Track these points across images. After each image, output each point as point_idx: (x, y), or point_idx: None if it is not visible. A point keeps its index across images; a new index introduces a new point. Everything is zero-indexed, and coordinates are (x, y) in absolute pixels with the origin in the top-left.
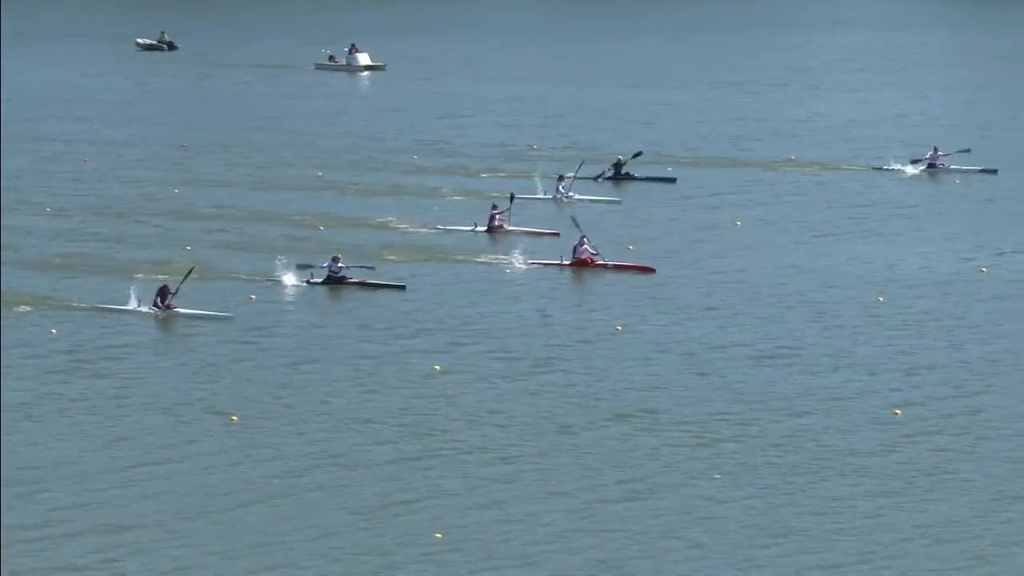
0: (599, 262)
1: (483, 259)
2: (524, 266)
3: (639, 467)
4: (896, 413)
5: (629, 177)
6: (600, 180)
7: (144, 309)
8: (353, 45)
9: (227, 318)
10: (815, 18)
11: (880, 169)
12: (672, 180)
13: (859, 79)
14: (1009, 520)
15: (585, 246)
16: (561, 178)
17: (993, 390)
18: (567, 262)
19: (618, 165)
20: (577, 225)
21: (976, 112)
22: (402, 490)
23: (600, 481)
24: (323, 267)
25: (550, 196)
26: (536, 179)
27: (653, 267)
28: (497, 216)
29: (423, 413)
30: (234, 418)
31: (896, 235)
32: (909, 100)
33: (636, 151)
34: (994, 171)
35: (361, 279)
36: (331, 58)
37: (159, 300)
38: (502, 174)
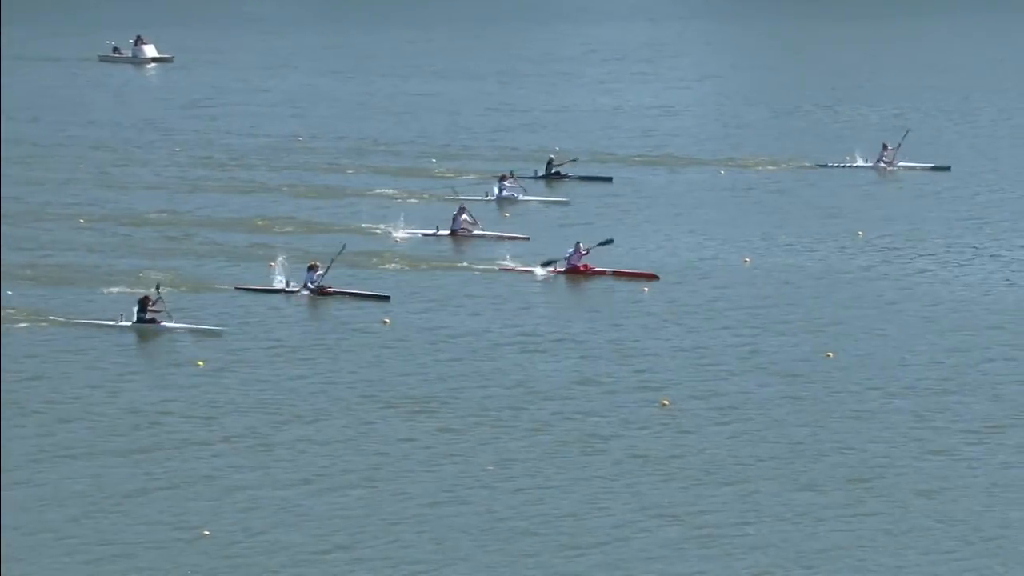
0: (597, 269)
1: (465, 266)
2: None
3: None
4: (664, 404)
5: (561, 176)
6: (534, 179)
7: (126, 323)
8: (139, 36)
9: (218, 332)
10: (577, 8)
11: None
12: (608, 179)
13: (613, 70)
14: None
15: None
16: (503, 178)
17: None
18: (561, 269)
19: (549, 164)
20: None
21: (759, 104)
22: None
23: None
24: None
25: (492, 198)
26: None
27: (657, 274)
28: (463, 219)
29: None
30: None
31: (672, 227)
32: (660, 93)
33: (573, 158)
34: (947, 168)
35: (341, 289)
36: (115, 50)
37: (142, 313)
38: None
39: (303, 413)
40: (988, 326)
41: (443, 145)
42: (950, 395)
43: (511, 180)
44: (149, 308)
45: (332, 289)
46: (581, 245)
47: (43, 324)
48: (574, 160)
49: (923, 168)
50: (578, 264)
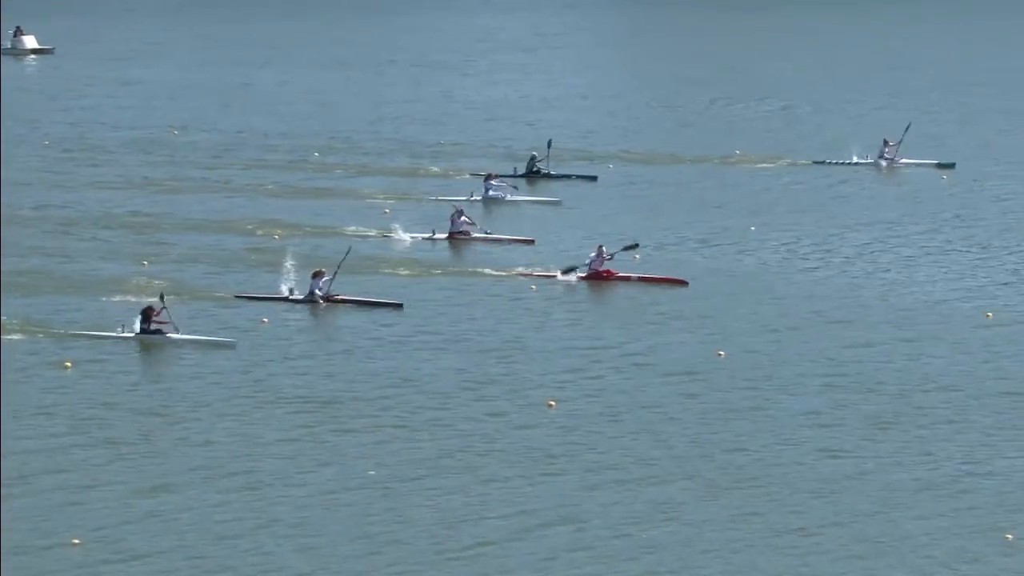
0: (621, 274)
1: (477, 271)
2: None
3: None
4: (551, 405)
5: (543, 175)
6: (513, 178)
7: (128, 334)
8: (18, 28)
9: (230, 344)
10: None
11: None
12: (593, 178)
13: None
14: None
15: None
16: (489, 177)
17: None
18: (583, 275)
19: (532, 162)
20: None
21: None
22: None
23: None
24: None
25: (479, 198)
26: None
27: (686, 280)
28: (463, 221)
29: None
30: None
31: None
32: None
33: (547, 140)
34: (951, 165)
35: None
36: None
37: (144, 323)
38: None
39: (338, 431)
40: (878, 322)
41: (329, 138)
42: (842, 393)
43: (498, 179)
44: (153, 319)
45: (341, 297)
46: (604, 249)
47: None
48: (548, 144)
49: (927, 165)
50: (601, 269)
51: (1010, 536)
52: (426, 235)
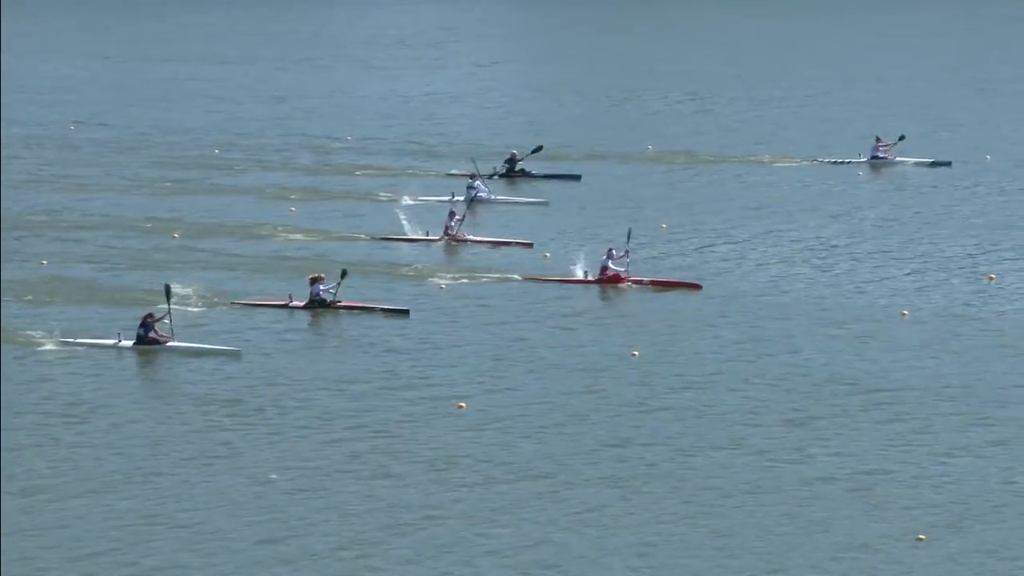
0: (633, 278)
1: (479, 275)
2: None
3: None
4: (461, 407)
5: (526, 174)
6: (494, 177)
7: (127, 343)
8: None
9: (234, 353)
10: None
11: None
12: (577, 177)
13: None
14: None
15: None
16: (473, 178)
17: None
18: (592, 278)
19: (512, 161)
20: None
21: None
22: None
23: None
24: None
25: (462, 199)
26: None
27: (700, 284)
28: (455, 223)
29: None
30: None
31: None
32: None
33: (536, 147)
34: (947, 163)
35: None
36: None
37: (144, 332)
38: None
39: (353, 445)
40: (785, 316)
41: (231, 134)
42: (758, 392)
43: (480, 180)
44: (154, 327)
45: (343, 303)
46: (614, 251)
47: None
48: (538, 148)
49: (923, 164)
50: (612, 272)
51: (923, 536)
52: (420, 236)
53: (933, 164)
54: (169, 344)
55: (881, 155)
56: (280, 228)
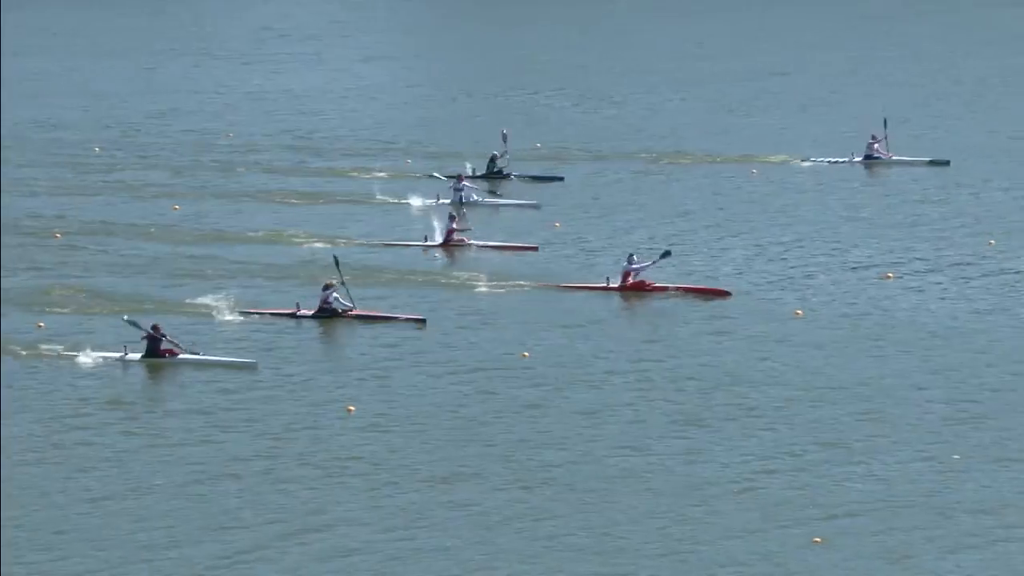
0: (658, 284)
1: (496, 282)
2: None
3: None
4: (350, 410)
5: (506, 176)
6: (473, 178)
7: (134, 356)
8: None
9: (251, 365)
10: None
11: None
12: (560, 179)
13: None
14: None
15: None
16: (460, 179)
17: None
18: (614, 285)
19: (492, 161)
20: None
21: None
22: None
23: None
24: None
25: (448, 201)
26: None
27: (729, 290)
28: (455, 229)
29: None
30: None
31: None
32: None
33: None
34: (946, 162)
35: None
36: None
37: (152, 345)
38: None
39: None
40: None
41: (111, 132)
42: (648, 391)
43: (467, 180)
44: (163, 338)
45: (355, 311)
46: (635, 258)
47: None
48: (505, 133)
49: (920, 163)
50: (635, 279)
51: (819, 540)
52: (418, 242)
53: (931, 163)
54: (180, 356)
55: (877, 154)
56: (155, 228)
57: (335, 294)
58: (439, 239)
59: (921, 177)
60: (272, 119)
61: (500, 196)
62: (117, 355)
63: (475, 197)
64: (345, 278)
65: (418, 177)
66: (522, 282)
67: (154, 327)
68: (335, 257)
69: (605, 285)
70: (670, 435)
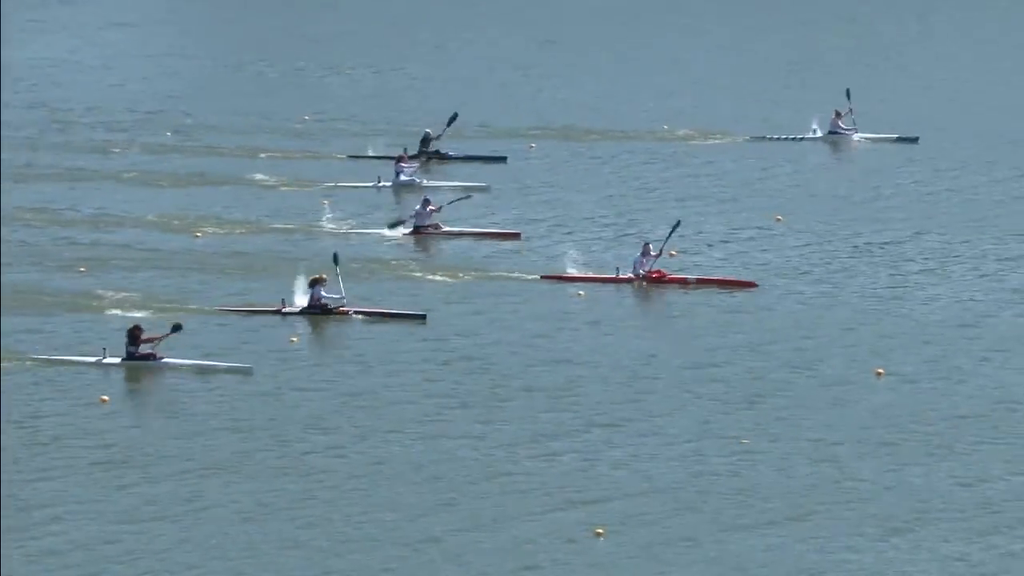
0: (674, 275)
1: (497, 274)
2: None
3: None
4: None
5: (443, 156)
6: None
7: (113, 360)
8: None
9: (245, 370)
10: None
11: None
12: (503, 159)
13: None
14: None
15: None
16: (400, 160)
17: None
18: (624, 276)
19: (426, 141)
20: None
21: None
22: None
23: None
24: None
25: (388, 184)
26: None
27: (755, 282)
28: (429, 212)
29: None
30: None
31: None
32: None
33: (451, 115)
34: (915, 139)
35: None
36: None
37: (133, 347)
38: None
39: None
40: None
41: None
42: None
43: (407, 162)
44: (142, 340)
45: (347, 309)
46: (651, 247)
47: None
48: (453, 117)
49: (888, 139)
50: (649, 270)
51: (601, 530)
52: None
53: (899, 140)
54: (164, 360)
55: (841, 130)
56: None
57: (324, 290)
58: (410, 226)
59: (889, 154)
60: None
61: (442, 178)
62: (94, 359)
63: (418, 180)
64: (339, 273)
65: (342, 159)
66: (518, 273)
67: (135, 327)
68: (335, 254)
69: (615, 276)
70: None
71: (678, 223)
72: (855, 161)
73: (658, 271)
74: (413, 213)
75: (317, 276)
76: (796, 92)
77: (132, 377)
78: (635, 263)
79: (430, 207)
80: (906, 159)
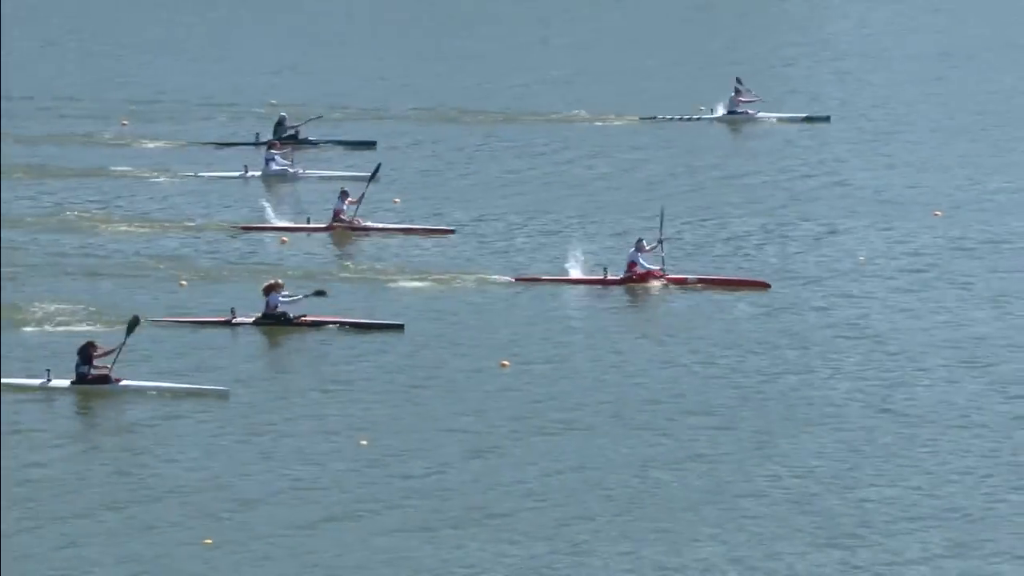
0: (669, 276)
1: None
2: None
3: None
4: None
5: (300, 141)
6: (257, 146)
7: (60, 383)
8: None
9: (221, 393)
10: None
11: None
12: (371, 144)
13: None
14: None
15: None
16: (271, 147)
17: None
18: (613, 276)
19: (281, 125)
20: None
21: None
22: None
23: None
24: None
25: (257, 174)
26: None
27: (768, 282)
28: (347, 205)
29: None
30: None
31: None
32: None
33: (316, 115)
34: (826, 118)
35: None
36: None
37: (85, 367)
38: None
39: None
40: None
41: None
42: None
43: (278, 150)
44: (95, 358)
45: (310, 318)
46: (644, 243)
47: None
48: (317, 117)
49: (797, 118)
50: (642, 270)
51: (209, 541)
52: (302, 224)
53: (808, 119)
54: (123, 383)
55: (741, 109)
56: None
57: (281, 296)
58: (323, 221)
59: (796, 135)
60: None
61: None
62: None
63: (290, 169)
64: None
65: (203, 144)
66: (504, 277)
67: (88, 344)
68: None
69: (603, 277)
70: None
71: (663, 212)
72: (755, 139)
73: (648, 271)
74: (333, 208)
75: (272, 282)
76: (699, 72)
77: (84, 403)
78: (628, 261)
79: (348, 200)
80: (814, 139)
